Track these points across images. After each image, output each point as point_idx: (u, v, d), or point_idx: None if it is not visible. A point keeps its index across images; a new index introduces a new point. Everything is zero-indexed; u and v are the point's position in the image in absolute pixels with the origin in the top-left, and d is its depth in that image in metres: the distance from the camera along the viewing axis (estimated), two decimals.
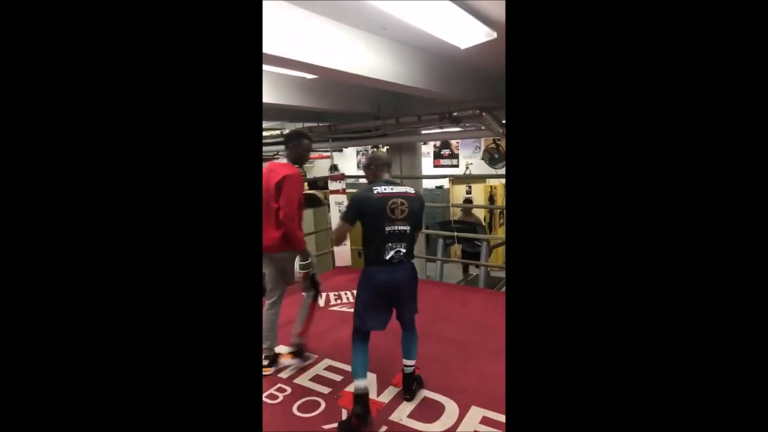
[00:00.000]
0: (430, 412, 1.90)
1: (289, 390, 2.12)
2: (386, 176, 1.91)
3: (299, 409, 1.97)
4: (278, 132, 5.85)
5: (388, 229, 1.77)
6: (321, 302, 3.32)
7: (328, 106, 4.02)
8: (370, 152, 2.53)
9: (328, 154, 7.40)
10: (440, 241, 5.23)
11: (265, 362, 2.23)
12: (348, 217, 1.83)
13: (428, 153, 8.14)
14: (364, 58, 2.52)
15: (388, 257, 1.79)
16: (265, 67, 2.73)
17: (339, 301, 3.37)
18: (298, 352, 2.36)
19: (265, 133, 6.13)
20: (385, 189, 1.81)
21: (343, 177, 4.32)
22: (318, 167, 7.99)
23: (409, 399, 1.99)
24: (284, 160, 2.19)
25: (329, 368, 2.32)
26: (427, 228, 5.06)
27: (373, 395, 2.04)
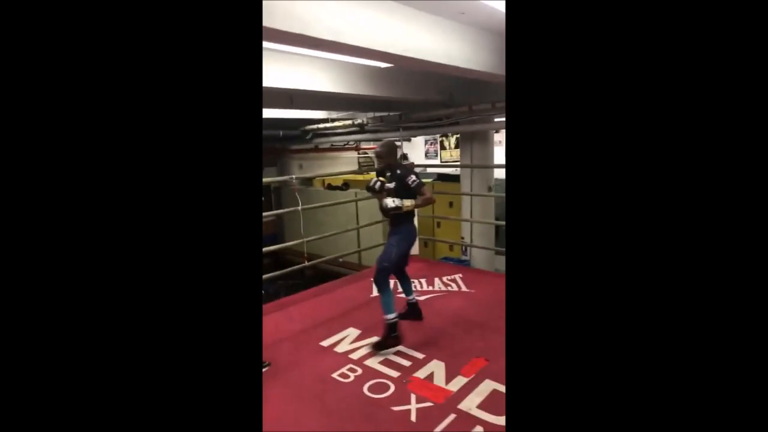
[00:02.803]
0: (500, 404, 1.87)
1: (360, 371, 2.20)
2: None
3: (369, 389, 2.04)
4: (350, 122, 5.99)
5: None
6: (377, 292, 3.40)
7: (400, 94, 4.03)
8: (382, 142, 2.95)
9: (397, 143, 7.46)
10: None
11: None
12: (423, 183, 2.40)
13: (500, 141, 7.86)
14: (442, 45, 2.49)
15: (414, 217, 2.55)
16: (338, 57, 2.80)
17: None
18: None
19: (336, 123, 6.31)
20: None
21: (413, 166, 4.33)
22: None
23: (421, 319, 2.72)
24: None
25: (397, 353, 2.37)
26: (497, 219, 4.92)
27: (441, 383, 2.06)
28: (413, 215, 2.52)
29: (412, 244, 2.55)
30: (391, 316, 2.36)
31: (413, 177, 2.36)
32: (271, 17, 1.74)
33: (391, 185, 2.42)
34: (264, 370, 2.24)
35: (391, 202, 2.37)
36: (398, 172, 2.42)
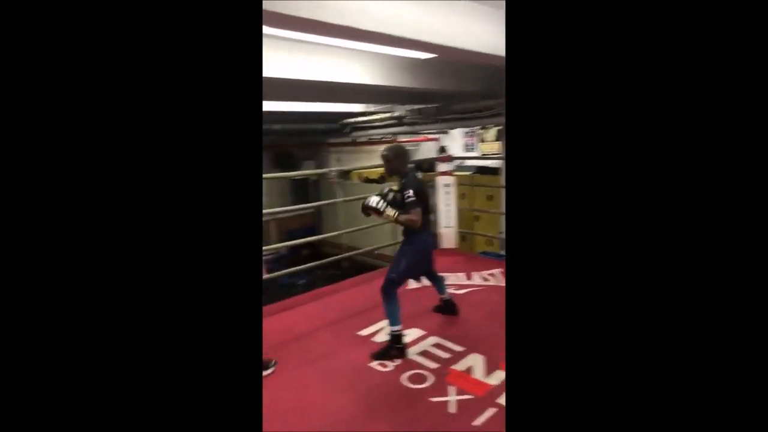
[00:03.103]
0: None
1: (398, 361, 2.22)
2: (410, 164, 2.40)
3: (408, 380, 2.05)
4: (388, 115, 5.98)
5: (429, 205, 2.37)
6: (417, 283, 3.38)
7: (441, 86, 3.98)
8: (391, 145, 2.61)
9: (435, 136, 7.37)
10: None
11: None
12: (419, 204, 2.22)
13: None
14: (486, 34, 2.43)
15: (430, 227, 2.44)
16: (378, 49, 2.79)
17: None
18: None
19: (374, 117, 6.32)
20: (419, 175, 2.43)
21: (451, 159, 4.28)
22: (423, 150, 8.02)
23: (456, 314, 2.73)
24: None
25: (436, 345, 2.37)
26: None
27: (480, 376, 2.04)
28: (424, 222, 2.28)
29: (425, 254, 2.41)
30: (396, 327, 2.26)
31: (411, 193, 2.19)
32: (320, 10, 1.76)
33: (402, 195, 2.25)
34: (267, 372, 2.14)
35: (374, 201, 2.24)
36: (404, 181, 2.26)
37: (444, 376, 2.06)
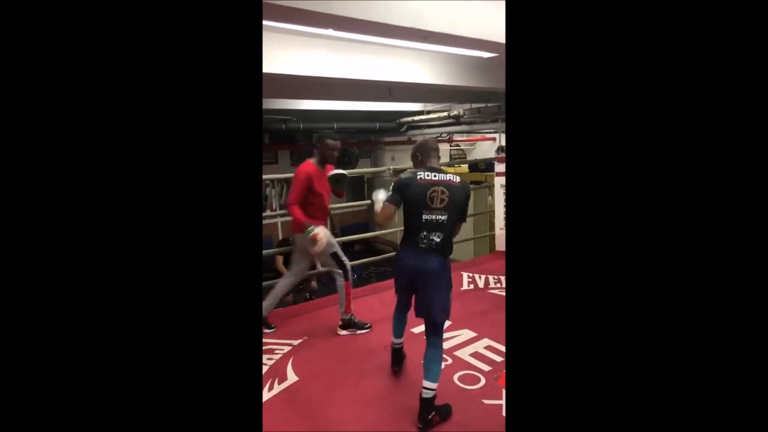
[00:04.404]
0: None
1: (450, 360, 2.23)
2: (432, 163, 1.83)
3: (459, 380, 2.06)
4: (445, 114, 5.95)
5: (425, 217, 1.75)
6: (470, 285, 3.34)
7: (503, 85, 3.91)
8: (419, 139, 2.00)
9: (492, 135, 7.23)
10: None
11: None
12: (393, 199, 1.82)
13: None
14: None
15: (420, 244, 1.77)
16: (441, 48, 2.80)
17: (498, 285, 3.34)
18: (347, 325, 2.67)
19: (432, 115, 6.31)
20: (428, 176, 1.76)
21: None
22: (480, 149, 7.89)
23: (422, 429, 1.71)
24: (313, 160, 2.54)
25: (488, 348, 2.35)
26: None
27: None
28: (410, 234, 1.80)
29: (400, 276, 1.89)
30: (396, 340, 2.15)
31: (392, 185, 1.86)
32: (387, 11, 1.81)
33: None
34: (270, 331, 2.66)
35: (382, 193, 1.91)
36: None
37: (497, 379, 2.05)
